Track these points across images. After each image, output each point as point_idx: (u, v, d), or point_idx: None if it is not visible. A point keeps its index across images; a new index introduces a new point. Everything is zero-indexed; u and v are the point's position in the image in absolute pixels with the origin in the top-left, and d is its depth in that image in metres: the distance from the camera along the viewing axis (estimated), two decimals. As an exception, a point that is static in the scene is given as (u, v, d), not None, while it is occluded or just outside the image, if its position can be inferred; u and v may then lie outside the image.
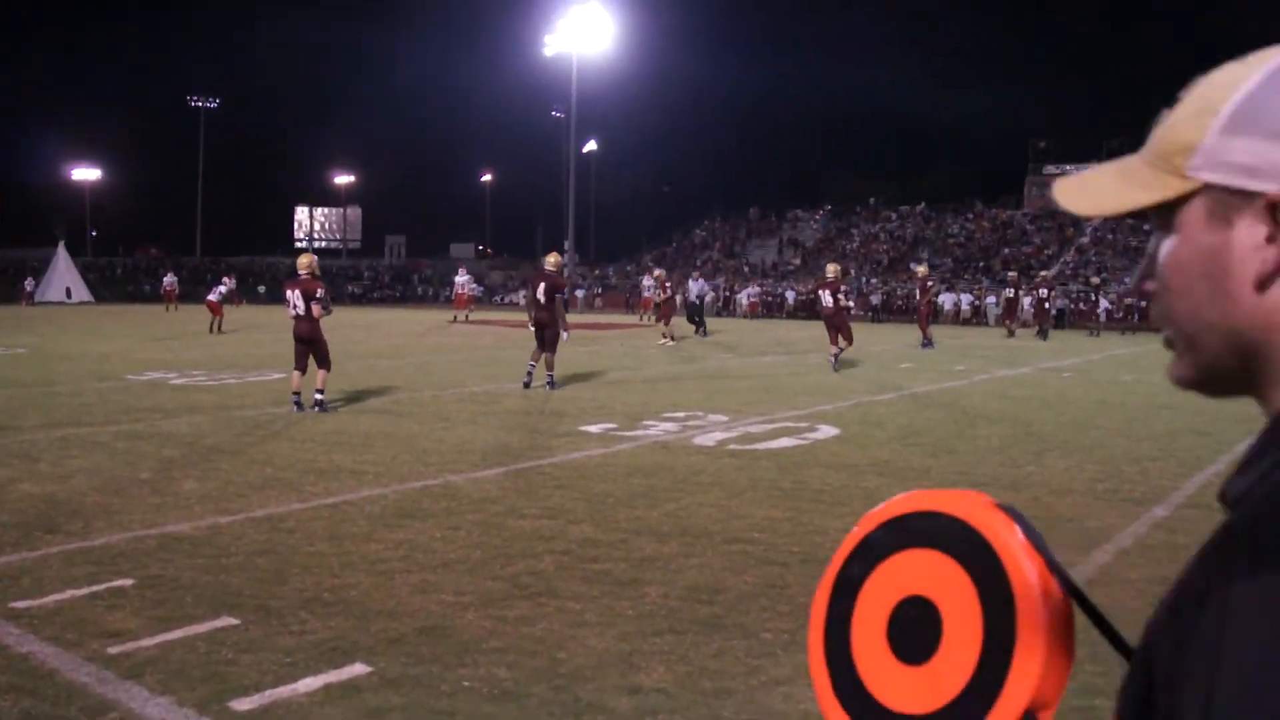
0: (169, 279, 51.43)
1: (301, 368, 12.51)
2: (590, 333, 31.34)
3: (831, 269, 19.74)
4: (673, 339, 26.09)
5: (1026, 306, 39.50)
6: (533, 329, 15.25)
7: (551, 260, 15.59)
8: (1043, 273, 39.67)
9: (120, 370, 17.53)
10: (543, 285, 15.11)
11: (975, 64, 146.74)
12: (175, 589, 5.28)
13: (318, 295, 12.48)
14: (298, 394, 12.45)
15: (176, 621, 4.80)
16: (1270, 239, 0.72)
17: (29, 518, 6.85)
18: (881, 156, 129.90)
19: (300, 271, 12.81)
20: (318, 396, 12.47)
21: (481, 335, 29.24)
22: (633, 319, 42.22)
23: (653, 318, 34.81)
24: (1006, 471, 8.88)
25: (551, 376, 14.98)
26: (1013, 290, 34.94)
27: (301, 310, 12.45)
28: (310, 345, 12.49)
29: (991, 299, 49.91)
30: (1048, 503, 7.62)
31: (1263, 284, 0.72)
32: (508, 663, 4.35)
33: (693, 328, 29.75)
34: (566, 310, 24.30)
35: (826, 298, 18.95)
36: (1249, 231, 0.73)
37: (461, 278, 41.00)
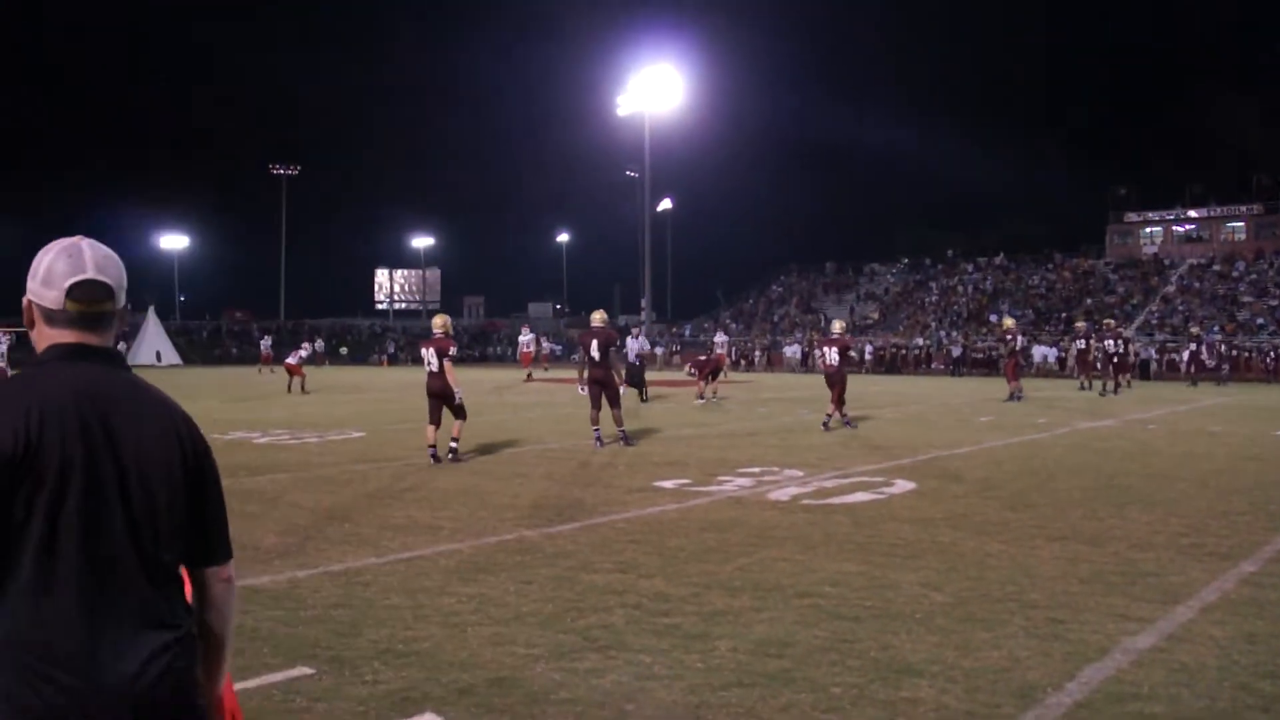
0: (265, 342, 52.44)
1: (435, 422, 13.18)
2: (667, 389, 31.39)
3: (839, 325, 19.25)
4: (703, 397, 25.89)
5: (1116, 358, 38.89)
6: (584, 391, 15.31)
7: (599, 317, 15.59)
8: (1106, 321, 37.00)
9: (206, 430, 17.76)
10: (595, 342, 15.00)
11: (1052, 113, 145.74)
12: (253, 639, 5.38)
13: (450, 353, 13.23)
14: (433, 446, 13.07)
15: (254, 670, 4.89)
16: None
17: (115, 572, 7.00)
18: (958, 208, 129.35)
19: (435, 331, 13.63)
20: (453, 445, 13.17)
21: (559, 392, 29.41)
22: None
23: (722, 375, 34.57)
24: (1087, 525, 8.73)
25: (625, 432, 15.03)
26: (1084, 341, 33.68)
27: (435, 367, 13.13)
28: (443, 400, 13.17)
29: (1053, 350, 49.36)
30: (1129, 557, 7.48)
31: None
32: (576, 714, 4.37)
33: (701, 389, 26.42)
34: (643, 368, 24.65)
35: (832, 355, 18.21)
36: None
37: (525, 336, 41.51)
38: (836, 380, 17.88)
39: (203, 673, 2.26)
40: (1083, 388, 31.67)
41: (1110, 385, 29.51)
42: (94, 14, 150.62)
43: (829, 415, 17.96)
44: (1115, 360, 29.49)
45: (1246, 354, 45.66)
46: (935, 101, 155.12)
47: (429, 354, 13.24)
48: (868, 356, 55.93)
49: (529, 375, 38.76)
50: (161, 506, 2.17)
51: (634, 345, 25.02)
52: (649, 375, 26.45)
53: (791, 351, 59.67)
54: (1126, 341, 37.80)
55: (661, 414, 21.53)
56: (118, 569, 2.09)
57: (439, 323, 13.76)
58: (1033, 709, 4.43)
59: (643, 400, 24.33)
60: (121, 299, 2.28)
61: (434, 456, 12.97)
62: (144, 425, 2.18)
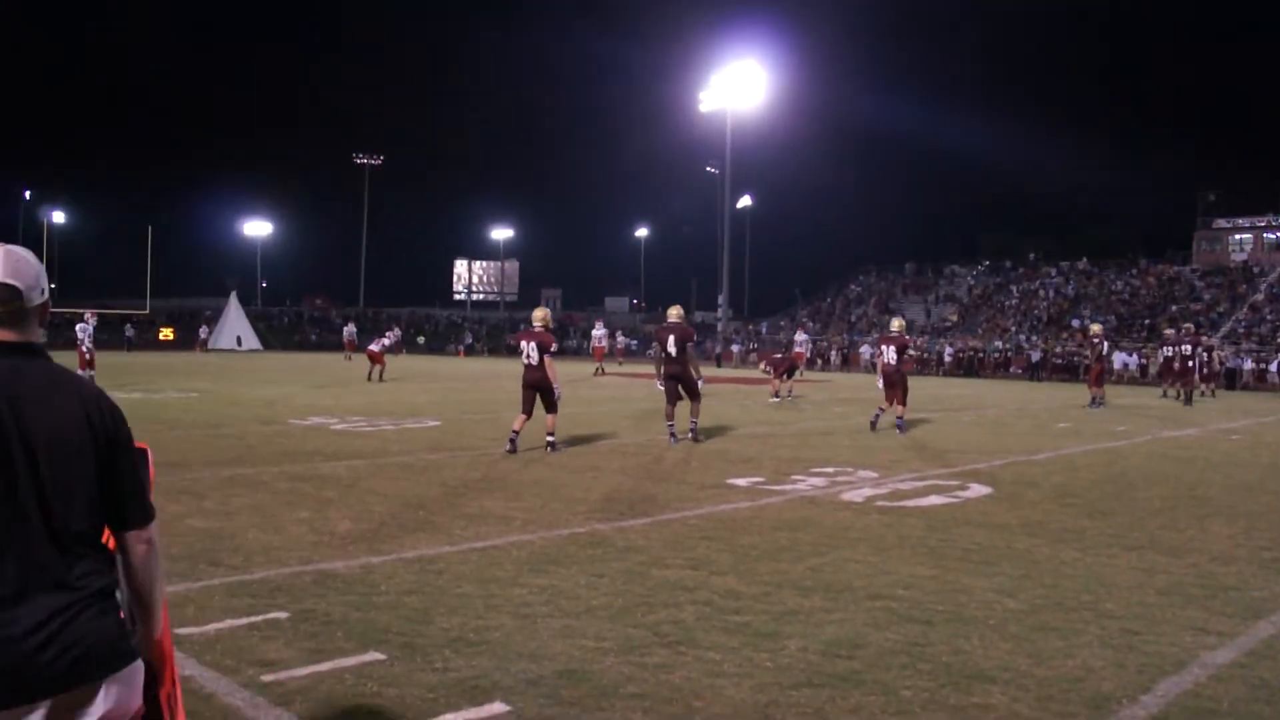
0: (349, 329, 52.97)
1: (527, 412, 13.40)
2: (743, 387, 31.34)
3: (897, 324, 18.54)
4: (778, 395, 25.54)
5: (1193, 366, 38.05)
6: (662, 386, 15.21)
7: (676, 312, 15.47)
8: (1185, 325, 35.48)
9: (284, 415, 18.18)
10: (672, 338, 14.91)
11: (1140, 118, 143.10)
12: (327, 623, 5.46)
13: (552, 348, 13.42)
14: (515, 433, 13.26)
15: (326, 654, 4.96)
16: None
17: (195, 551, 7.15)
18: (1043, 211, 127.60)
19: (535, 324, 13.75)
20: (550, 439, 13.48)
21: (634, 387, 29.48)
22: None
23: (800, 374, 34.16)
24: (1166, 535, 8.57)
25: (696, 426, 15.01)
26: (1170, 349, 32.91)
27: (535, 360, 13.27)
28: (539, 391, 13.37)
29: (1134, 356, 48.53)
30: (1209, 569, 7.33)
31: None
32: (644, 708, 4.38)
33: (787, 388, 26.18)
34: (720, 365, 24.56)
35: (890, 354, 17.61)
36: None
37: (598, 331, 41.61)
38: (896, 380, 17.51)
39: (140, 627, 2.60)
40: (1165, 395, 31.06)
41: (1184, 393, 28.78)
42: (186, 9, 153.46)
43: (879, 411, 17.78)
44: (1193, 367, 28.79)
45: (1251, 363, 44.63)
46: (1022, 102, 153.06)
47: (529, 346, 13.29)
48: (946, 359, 55.37)
49: (600, 369, 38.91)
50: (73, 479, 2.43)
51: (598, 336, 24.08)
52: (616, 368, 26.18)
53: (868, 352, 59.30)
54: (1211, 350, 37.05)
55: (736, 412, 21.49)
56: (22, 535, 2.33)
57: (539, 315, 13.82)
58: (1107, 720, 4.37)
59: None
60: (35, 297, 2.56)
61: (512, 444, 13.07)
62: (55, 408, 2.43)
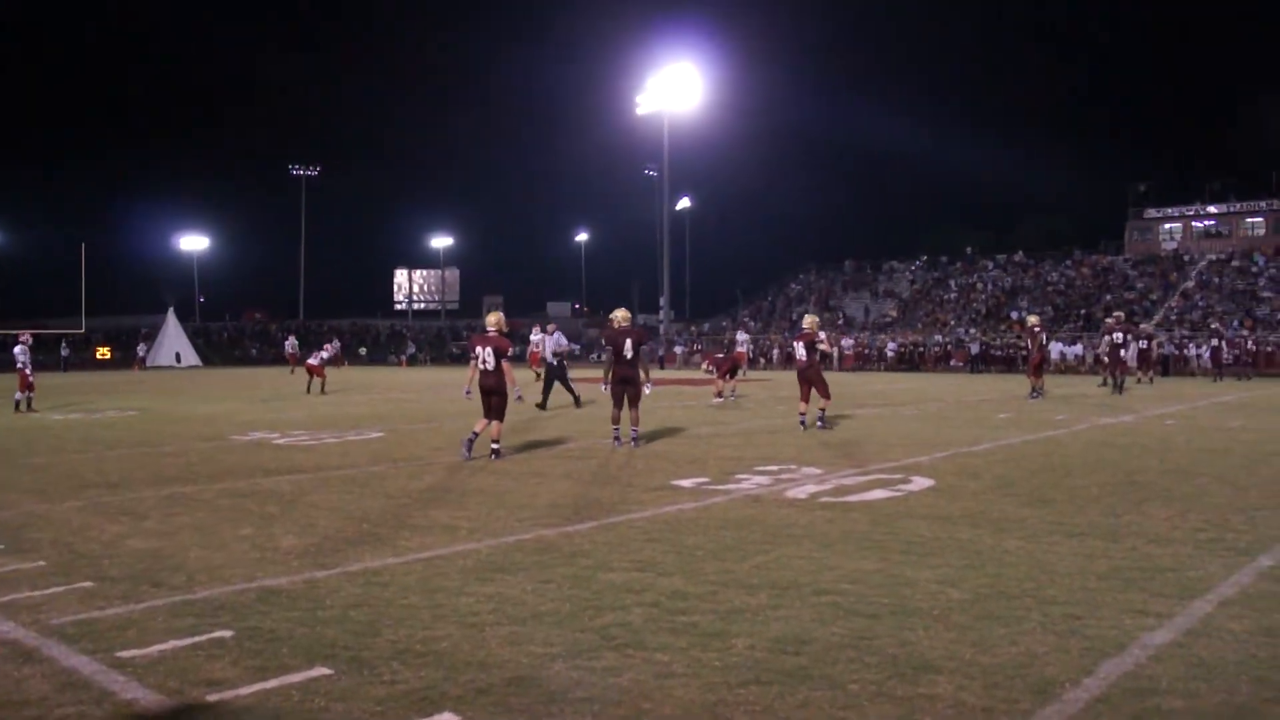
0: (290, 342, 52.38)
1: (488, 416, 13.31)
2: (687, 388, 31.41)
3: (808, 320, 18.25)
4: (721, 395, 25.33)
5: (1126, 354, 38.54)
6: (606, 389, 15.04)
7: (624, 315, 15.27)
8: (1115, 313, 35.00)
9: (225, 431, 17.99)
10: (629, 341, 14.76)
11: (1071, 110, 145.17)
12: (272, 640, 5.41)
13: (509, 353, 13.35)
14: (474, 435, 13.35)
15: (273, 671, 4.92)
16: None
17: (136, 572, 7.06)
18: (978, 206, 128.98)
19: (489, 328, 13.58)
20: (495, 446, 13.32)
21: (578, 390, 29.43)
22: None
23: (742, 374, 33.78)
24: (1105, 521, 8.70)
25: (638, 433, 15.00)
26: (1113, 336, 33.14)
27: (491, 364, 13.15)
28: (494, 395, 13.23)
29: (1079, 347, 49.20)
30: (1147, 552, 7.45)
31: None
32: (593, 712, 4.38)
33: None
34: (663, 366, 24.45)
35: (801, 350, 17.48)
36: None
37: (536, 336, 41.38)
38: (811, 376, 17.33)
39: None
40: (1104, 384, 31.52)
41: (1116, 380, 28.54)
42: (115, 16, 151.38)
43: (802, 411, 17.51)
44: (1125, 356, 28.50)
45: (1269, 349, 45.44)
46: (956, 101, 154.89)
47: (485, 352, 13.13)
48: (890, 354, 55.84)
49: (538, 375, 38.70)
50: None
51: (550, 343, 23.18)
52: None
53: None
54: (1149, 337, 37.68)
55: (680, 413, 21.54)
56: None
57: (493, 320, 13.65)
58: (1050, 704, 4.42)
59: (577, 405, 22.60)
60: None
61: (468, 446, 13.20)
62: None
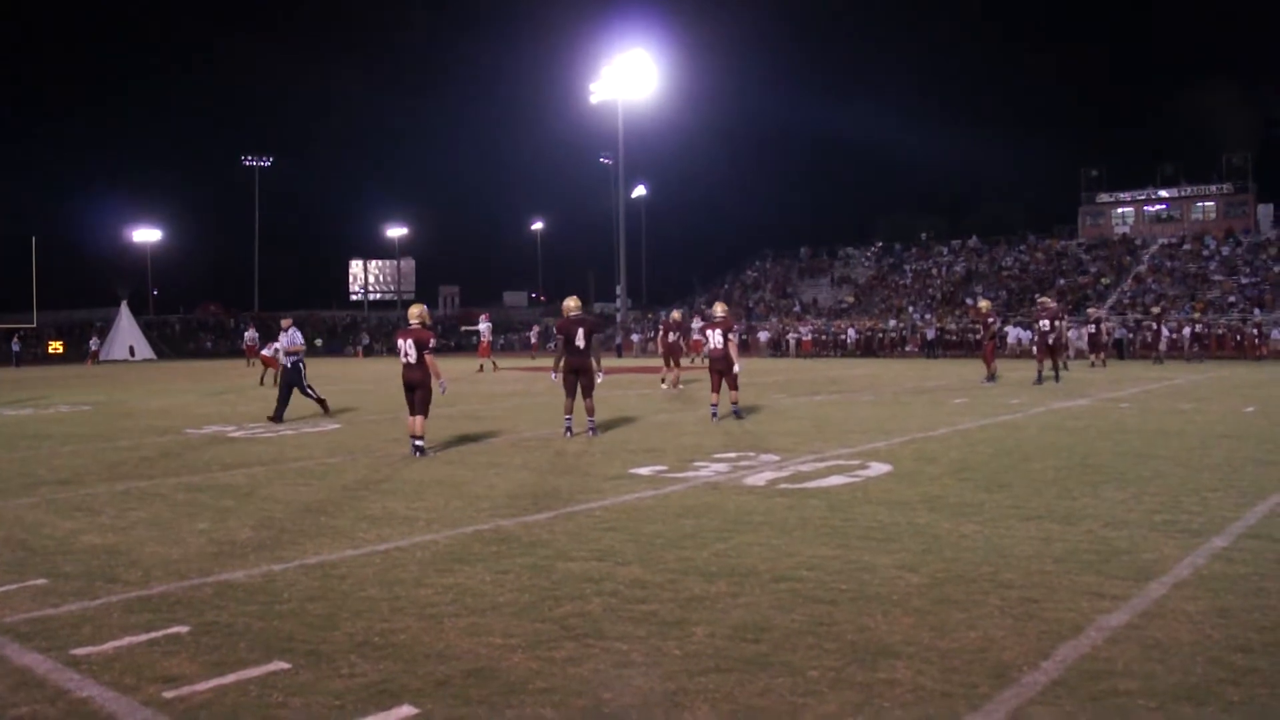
0: (250, 334, 51.73)
1: (416, 412, 13.01)
2: (643, 376, 31.41)
3: (720, 308, 17.56)
4: (665, 384, 25.19)
5: (1075, 337, 38.74)
6: (557, 377, 15.02)
7: (575, 304, 15.18)
8: (1040, 298, 32.22)
9: (180, 424, 17.82)
10: (581, 330, 14.74)
11: (1024, 97, 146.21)
12: (229, 635, 5.36)
13: (430, 345, 13.02)
14: (416, 438, 12.94)
15: (230, 666, 4.87)
16: None
17: (91, 568, 6.98)
18: (932, 192, 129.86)
19: (411, 321, 13.35)
20: (418, 443, 12.95)
21: (536, 380, 29.39)
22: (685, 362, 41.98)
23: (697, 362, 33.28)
24: (1061, 504, 8.78)
25: (594, 422, 15.01)
26: (1054, 322, 32.71)
27: (413, 358, 12.92)
28: (418, 389, 12.98)
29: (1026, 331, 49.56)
30: (1103, 535, 7.52)
31: None
32: (553, 703, 4.37)
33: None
34: (620, 355, 24.19)
35: (716, 339, 16.82)
36: None
37: (484, 325, 41.17)
38: (723, 366, 16.72)
39: None
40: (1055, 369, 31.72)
41: (1042, 371, 26.16)
42: (64, 4, 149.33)
43: (714, 404, 16.87)
44: (1065, 344, 26.41)
45: (1220, 332, 46.02)
46: (910, 89, 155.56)
47: (406, 345, 12.99)
48: (850, 341, 56.08)
49: (480, 367, 38.47)
50: None
51: (283, 341, 19.60)
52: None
53: (765, 336, 59.89)
54: (1100, 321, 38.02)
55: (637, 401, 21.53)
56: None
57: (415, 312, 13.47)
58: (1009, 688, 4.46)
59: (325, 411, 19.59)
60: None
61: (416, 449, 12.87)
62: None
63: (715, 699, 4.39)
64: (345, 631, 5.41)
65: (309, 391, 19.23)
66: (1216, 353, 43.58)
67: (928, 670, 4.68)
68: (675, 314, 28.39)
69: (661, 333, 26.89)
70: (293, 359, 19.08)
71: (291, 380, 18.90)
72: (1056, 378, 25.95)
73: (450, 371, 37.88)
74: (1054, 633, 5.20)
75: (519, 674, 4.73)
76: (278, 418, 18.12)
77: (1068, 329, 34.52)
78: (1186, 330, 42.75)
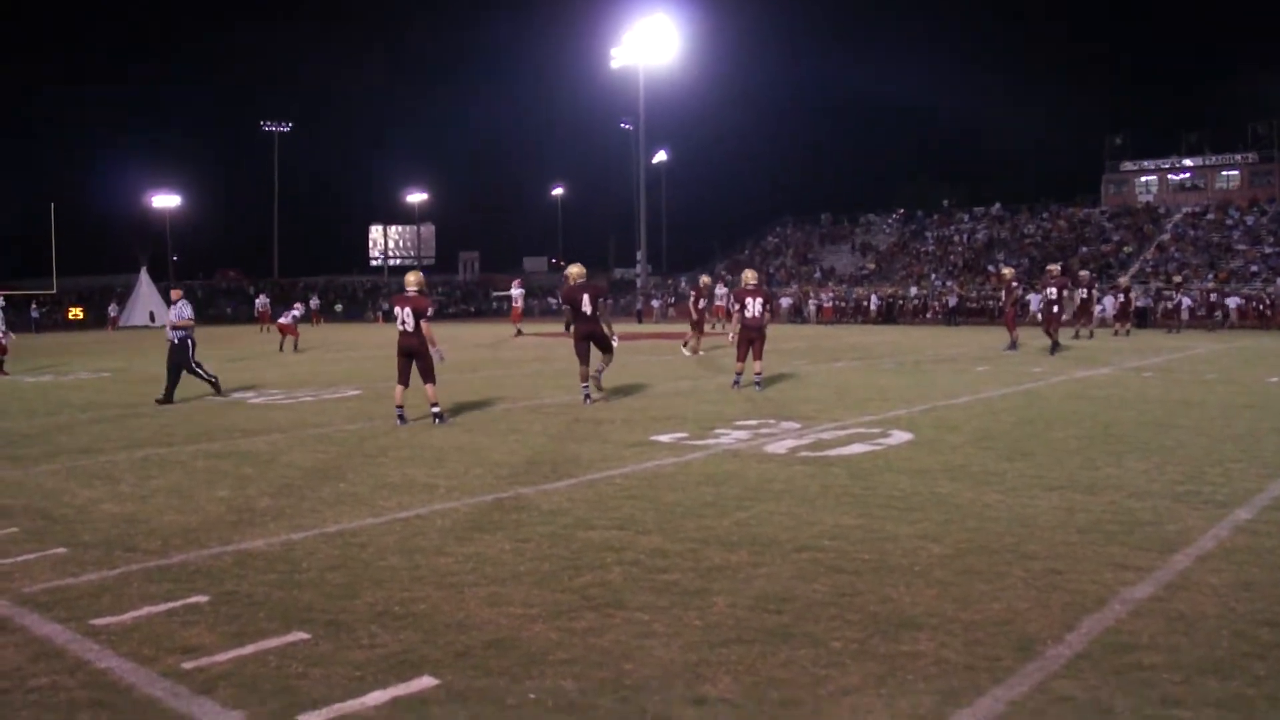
0: (261, 301, 51.78)
1: (404, 381, 12.90)
2: (663, 342, 31.34)
3: (750, 274, 17.04)
4: (687, 349, 25.33)
5: (1104, 307, 38.56)
6: (571, 330, 14.85)
7: (579, 271, 14.96)
8: (1050, 266, 29.70)
9: (199, 391, 17.83)
10: (587, 297, 14.62)
11: (1048, 63, 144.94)
12: (249, 605, 5.35)
13: (429, 313, 12.89)
14: (401, 408, 12.87)
15: (249, 637, 4.86)
16: None
17: (110, 537, 6.99)
18: (955, 159, 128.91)
19: (409, 289, 13.17)
20: (435, 410, 12.88)
21: (557, 346, 29.35)
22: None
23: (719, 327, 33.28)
24: (1084, 474, 8.71)
25: (599, 381, 15.01)
26: (1085, 291, 32.14)
27: (410, 326, 12.79)
28: (414, 359, 12.85)
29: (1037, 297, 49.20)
30: (1126, 505, 7.46)
31: None
32: (574, 674, 4.35)
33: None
34: (641, 320, 24.01)
35: (755, 307, 16.26)
36: None
37: (516, 291, 41.10)
38: (756, 336, 16.21)
39: None
40: (1076, 336, 31.61)
41: (1062, 335, 25.76)
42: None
43: (738, 373, 16.44)
44: (1057, 313, 25.07)
45: (1241, 301, 45.64)
46: (933, 54, 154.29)
47: (404, 312, 12.81)
48: (873, 307, 55.81)
49: (518, 331, 38.39)
50: None
51: (172, 314, 17.29)
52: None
53: (786, 303, 59.67)
54: (1125, 290, 37.77)
55: (658, 368, 21.48)
56: None
57: (413, 280, 13.28)
58: (1032, 661, 4.41)
59: (218, 392, 17.31)
60: None
61: (401, 418, 12.75)
62: None
63: (737, 670, 4.36)
64: (365, 601, 5.39)
65: (198, 370, 17.06)
66: (1241, 322, 43.23)
67: (951, 643, 4.64)
68: (705, 279, 28.36)
69: (694, 298, 26.75)
70: (180, 334, 16.88)
71: (178, 359, 16.71)
72: (1053, 349, 24.68)
73: (482, 336, 38.13)
74: (1078, 605, 5.15)
75: (539, 644, 4.71)
76: (167, 398, 16.25)
77: (1100, 297, 34.17)
78: (1232, 301, 42.34)
